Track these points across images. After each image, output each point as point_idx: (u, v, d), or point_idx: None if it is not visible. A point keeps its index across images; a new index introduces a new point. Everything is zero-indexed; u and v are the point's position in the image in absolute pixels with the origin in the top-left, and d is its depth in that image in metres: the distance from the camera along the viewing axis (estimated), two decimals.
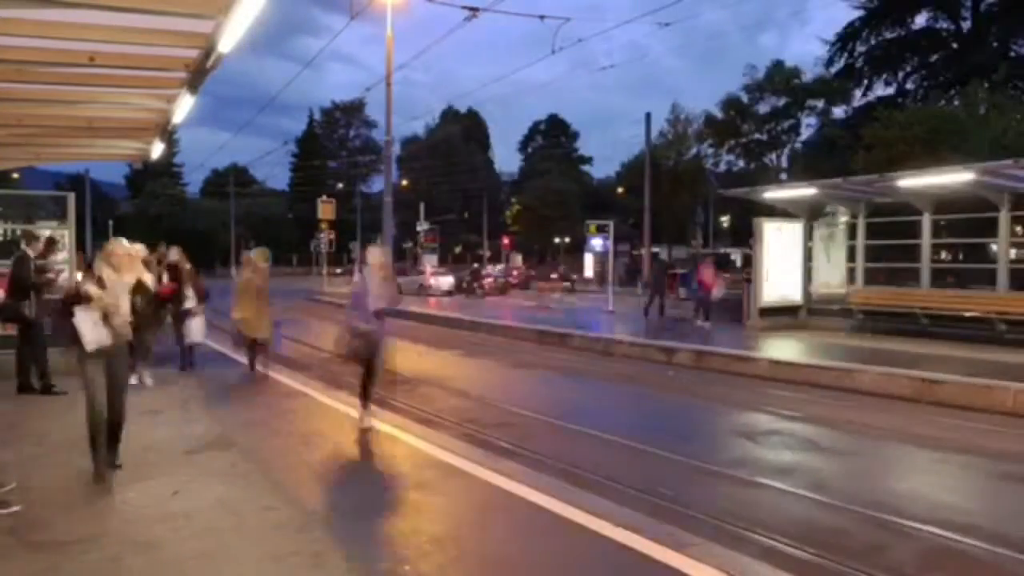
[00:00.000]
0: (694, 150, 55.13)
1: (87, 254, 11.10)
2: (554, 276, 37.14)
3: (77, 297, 4.78)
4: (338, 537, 3.93)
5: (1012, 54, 37.52)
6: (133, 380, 7.39)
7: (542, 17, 18.29)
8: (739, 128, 50.90)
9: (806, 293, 15.32)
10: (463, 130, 75.17)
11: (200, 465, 5.32)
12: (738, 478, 5.73)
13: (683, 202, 52.45)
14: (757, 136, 51.18)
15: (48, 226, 9.97)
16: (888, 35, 42.05)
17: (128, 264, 5.02)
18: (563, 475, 5.46)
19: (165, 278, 9.34)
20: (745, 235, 23.26)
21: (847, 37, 42.78)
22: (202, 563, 3.62)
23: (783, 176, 45.08)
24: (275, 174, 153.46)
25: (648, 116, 33.80)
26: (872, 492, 5.40)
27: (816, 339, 13.09)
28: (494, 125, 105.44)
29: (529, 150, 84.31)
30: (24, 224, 10.38)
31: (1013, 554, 4.21)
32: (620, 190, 60.10)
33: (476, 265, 46.88)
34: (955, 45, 39.88)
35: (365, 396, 6.60)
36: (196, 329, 9.61)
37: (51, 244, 8.49)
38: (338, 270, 41.85)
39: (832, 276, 15.24)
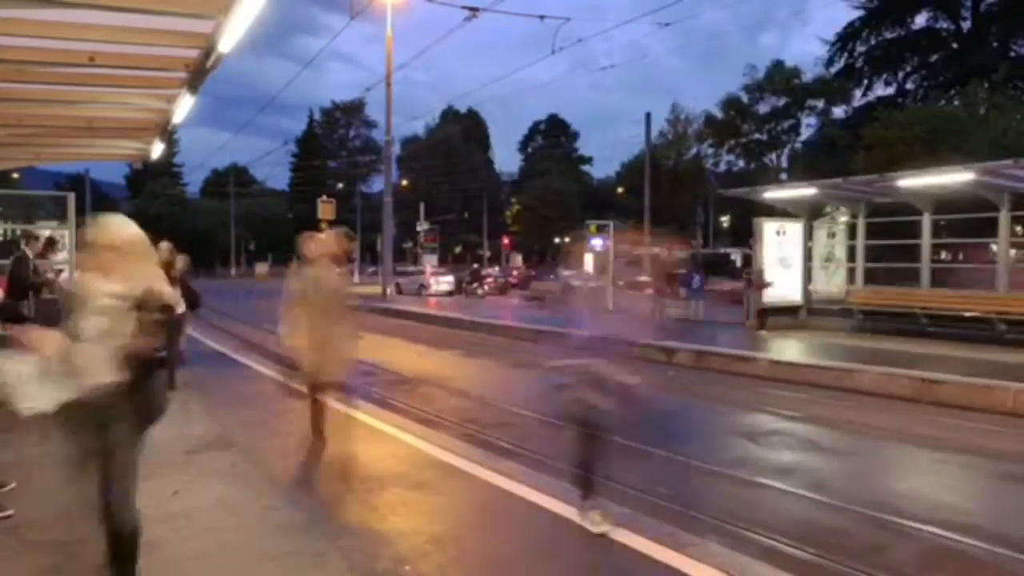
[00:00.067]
0: (694, 150, 55.22)
1: None
2: (553, 276, 37.12)
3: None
4: (338, 537, 3.93)
5: (1012, 54, 37.55)
6: None
7: (542, 17, 18.32)
8: (739, 128, 50.99)
9: (806, 293, 15.32)
10: (463, 130, 75.19)
11: (200, 465, 5.32)
12: (738, 478, 5.73)
13: (683, 202, 52.48)
14: (757, 136, 51.26)
15: (48, 226, 9.98)
16: (888, 35, 42.10)
17: (119, 263, 3.07)
18: (563, 475, 5.45)
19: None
20: (745, 235, 23.25)
21: (847, 37, 42.82)
22: (202, 563, 3.62)
23: (783, 176, 45.13)
24: (275, 174, 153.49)
25: (648, 116, 33.84)
26: (872, 492, 5.40)
27: (816, 339, 13.09)
28: (494, 125, 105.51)
29: (529, 150, 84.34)
30: (24, 224, 10.39)
31: (1013, 554, 4.21)
32: (620, 190, 60.14)
33: (476, 265, 46.89)
34: (955, 45, 39.91)
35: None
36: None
37: (51, 244, 8.49)
38: (337, 270, 41.84)
39: (833, 277, 15.26)
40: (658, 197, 40.69)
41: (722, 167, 54.41)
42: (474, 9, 18.69)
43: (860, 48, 43.17)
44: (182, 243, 10.59)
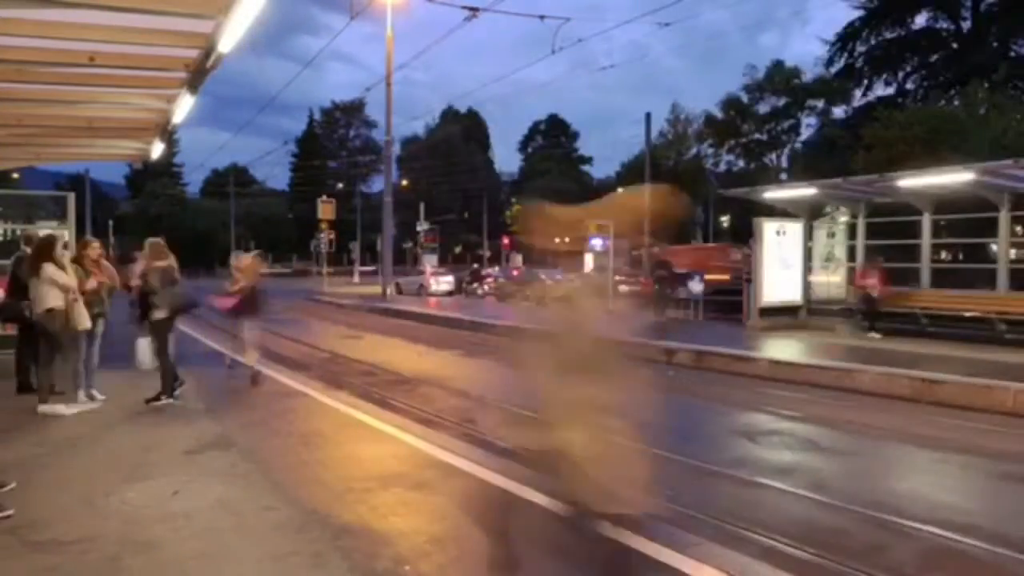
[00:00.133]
0: (694, 150, 55.27)
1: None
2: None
3: None
4: (338, 537, 3.93)
5: (1012, 54, 37.53)
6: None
7: (542, 17, 18.33)
8: (739, 128, 51.02)
9: (806, 293, 15.32)
10: (463, 130, 75.25)
11: (200, 465, 5.32)
12: (738, 478, 5.73)
13: (683, 202, 52.47)
14: (757, 136, 51.29)
15: (48, 226, 9.97)
16: (888, 35, 42.07)
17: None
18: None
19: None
20: (745, 235, 23.23)
21: (847, 37, 42.80)
22: (202, 563, 3.62)
23: (783, 176, 45.15)
24: (275, 174, 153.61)
25: (648, 116, 33.75)
26: (872, 492, 5.39)
27: (816, 339, 13.09)
28: (494, 125, 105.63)
29: (529, 150, 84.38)
30: (24, 224, 10.39)
31: (1013, 554, 4.21)
32: (620, 190, 60.10)
33: (476, 265, 46.88)
34: (955, 45, 39.90)
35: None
36: (142, 350, 7.92)
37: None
38: (330, 269, 41.75)
39: (833, 277, 15.26)
40: None
41: (722, 167, 54.48)
42: (474, 9, 18.70)
43: (860, 48, 43.15)
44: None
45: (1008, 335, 11.57)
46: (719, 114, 51.23)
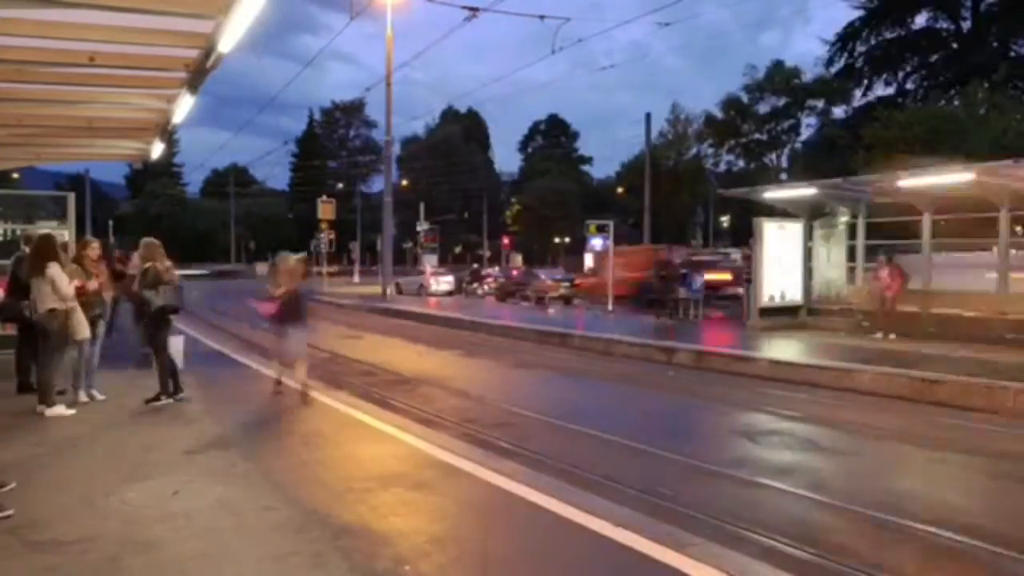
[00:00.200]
0: (694, 150, 55.30)
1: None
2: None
3: None
4: (338, 537, 3.93)
5: (1012, 54, 37.58)
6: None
7: (542, 17, 18.33)
8: (739, 128, 51.05)
9: (806, 293, 15.32)
10: (463, 130, 75.29)
11: (200, 465, 5.32)
12: (738, 478, 5.73)
13: (683, 202, 52.52)
14: (757, 136, 51.31)
15: (48, 226, 9.97)
16: (888, 35, 42.12)
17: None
18: (563, 475, 5.45)
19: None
20: (745, 235, 23.24)
21: (847, 37, 42.84)
22: (202, 563, 3.62)
23: (783, 176, 45.17)
24: (275, 174, 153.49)
25: (648, 116, 33.91)
26: (872, 492, 5.39)
27: (816, 339, 13.09)
28: (494, 125, 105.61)
29: (529, 150, 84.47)
30: (24, 224, 10.39)
31: (1013, 554, 4.21)
32: (620, 190, 60.18)
33: (476, 265, 46.88)
34: (955, 45, 39.93)
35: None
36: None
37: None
38: (334, 268, 41.66)
39: (832, 277, 15.26)
40: (658, 197, 40.73)
41: (722, 167, 54.52)
42: (474, 9, 18.70)
43: (860, 48, 43.21)
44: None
45: (1008, 335, 11.57)
46: (719, 114, 51.25)
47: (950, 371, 8.98)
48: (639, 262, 21.73)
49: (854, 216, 14.85)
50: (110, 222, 55.37)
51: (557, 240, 62.64)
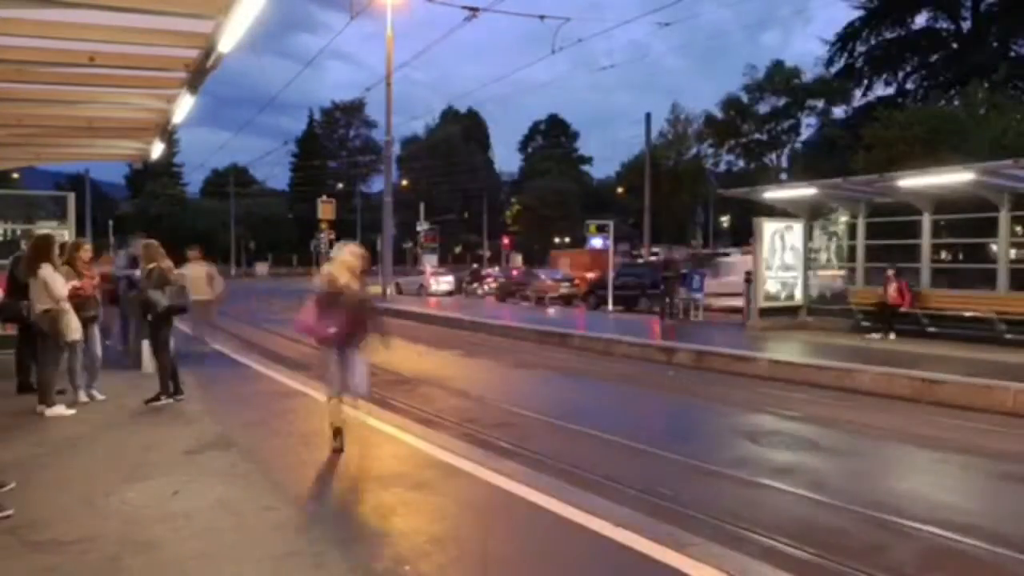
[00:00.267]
0: (694, 150, 55.28)
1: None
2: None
3: None
4: (338, 537, 3.93)
5: (1012, 54, 37.57)
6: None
7: (542, 17, 18.33)
8: (739, 128, 51.03)
9: (806, 293, 15.32)
10: (463, 130, 75.27)
11: (200, 465, 5.32)
12: (738, 478, 5.73)
13: (683, 202, 52.50)
14: (757, 136, 51.30)
15: (48, 226, 9.97)
16: (888, 35, 42.10)
17: None
18: (563, 475, 5.45)
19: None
20: (745, 235, 23.29)
21: (847, 37, 42.83)
22: (202, 563, 3.62)
23: (783, 176, 45.17)
24: (275, 174, 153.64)
25: (648, 116, 33.82)
26: (872, 492, 5.40)
27: (816, 339, 13.09)
28: (494, 125, 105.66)
29: (529, 150, 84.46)
30: (24, 224, 10.39)
31: (1013, 554, 4.21)
32: (620, 190, 60.18)
33: (476, 265, 46.88)
34: (955, 45, 39.92)
35: None
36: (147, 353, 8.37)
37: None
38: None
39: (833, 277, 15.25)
40: (658, 197, 40.71)
41: (722, 167, 54.51)
42: (474, 9, 18.70)
43: (860, 48, 43.17)
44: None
45: (1008, 335, 11.57)
46: (719, 114, 51.24)
47: (950, 371, 8.98)
48: (582, 262, 22.58)
49: (854, 216, 14.85)
50: (110, 222, 55.35)
51: (557, 240, 62.61)
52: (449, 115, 75.85)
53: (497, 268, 43.32)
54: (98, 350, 7.63)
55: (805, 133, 49.81)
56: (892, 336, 12.71)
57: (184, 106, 6.56)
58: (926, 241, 13.65)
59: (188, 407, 7.37)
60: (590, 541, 3.93)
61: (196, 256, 11.52)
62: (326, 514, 4.32)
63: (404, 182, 62.02)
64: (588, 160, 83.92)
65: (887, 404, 8.56)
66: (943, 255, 19.05)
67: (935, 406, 8.29)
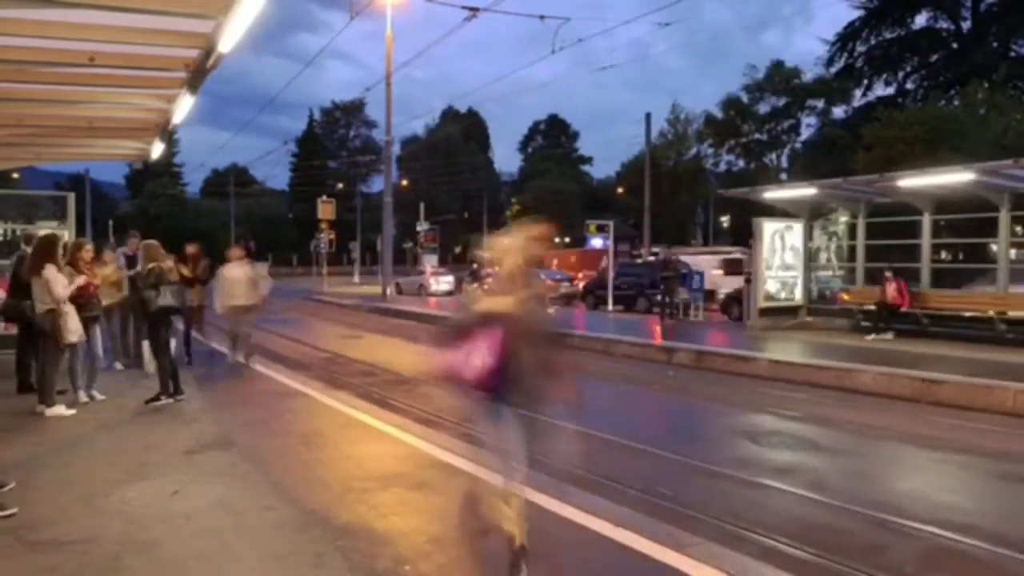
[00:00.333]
0: (694, 150, 55.25)
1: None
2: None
3: None
4: (338, 537, 3.93)
5: (1012, 54, 37.53)
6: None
7: (542, 17, 18.33)
8: (739, 128, 50.97)
9: (806, 293, 15.32)
10: (463, 130, 75.21)
11: (200, 465, 5.32)
12: (738, 478, 5.73)
13: (683, 202, 52.49)
14: (757, 136, 51.24)
15: (48, 226, 9.97)
16: (888, 35, 42.03)
17: None
18: (564, 475, 5.45)
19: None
20: (745, 235, 23.28)
21: (847, 37, 42.76)
22: (202, 563, 3.62)
23: (783, 176, 45.14)
24: (275, 174, 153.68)
25: (648, 116, 33.82)
26: (872, 492, 5.40)
27: (816, 339, 13.09)
28: (494, 125, 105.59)
29: (529, 150, 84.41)
30: (24, 224, 10.39)
31: (1013, 554, 4.21)
32: (620, 190, 60.16)
33: (476, 265, 46.77)
34: (955, 45, 39.89)
35: None
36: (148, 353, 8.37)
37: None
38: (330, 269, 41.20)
39: (832, 277, 15.25)
40: (658, 197, 40.71)
41: (722, 167, 54.45)
42: (474, 9, 18.70)
43: (860, 48, 43.10)
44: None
45: (1008, 335, 11.57)
46: (719, 114, 51.20)
47: (950, 371, 8.98)
48: (570, 263, 22.72)
49: (854, 216, 14.85)
50: (110, 222, 55.32)
51: (557, 240, 62.63)
52: (449, 115, 75.80)
53: (497, 268, 43.22)
54: (99, 350, 7.63)
55: (805, 133, 49.78)
56: (889, 335, 12.71)
57: (184, 106, 6.55)
58: (926, 241, 13.65)
59: (188, 407, 7.38)
60: (590, 541, 3.93)
61: (238, 255, 10.42)
62: (326, 514, 4.32)
63: (404, 182, 61.98)
64: (588, 160, 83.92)
65: (887, 404, 8.56)
66: (943, 255, 19.05)
67: (935, 406, 8.29)
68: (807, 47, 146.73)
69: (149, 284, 7.40)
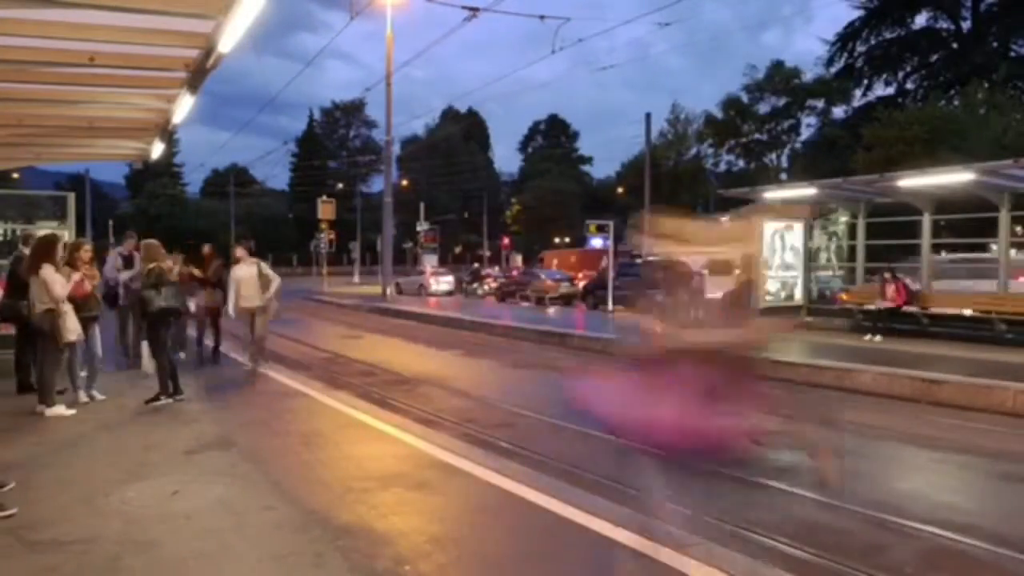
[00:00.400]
0: (694, 150, 55.27)
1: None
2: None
3: None
4: (338, 537, 3.93)
5: (1012, 54, 37.57)
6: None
7: (542, 17, 18.34)
8: (739, 128, 51.00)
9: (806, 293, 15.32)
10: (463, 130, 75.19)
11: (200, 465, 5.32)
12: (738, 478, 5.72)
13: (683, 202, 52.46)
14: (757, 136, 51.27)
15: (48, 226, 9.95)
16: (888, 35, 42.10)
17: None
18: (563, 475, 5.45)
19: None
20: None
21: (847, 37, 42.82)
22: (202, 563, 3.62)
23: (783, 176, 45.14)
24: (275, 174, 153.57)
25: (648, 116, 33.77)
26: (872, 492, 5.39)
27: (816, 339, 13.09)
28: (494, 125, 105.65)
29: (529, 150, 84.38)
30: (24, 224, 10.38)
31: (1013, 554, 4.21)
32: (620, 190, 60.13)
33: (476, 265, 46.85)
34: (955, 45, 39.92)
35: None
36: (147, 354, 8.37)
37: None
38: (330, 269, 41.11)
39: (832, 276, 15.25)
40: (658, 197, 40.64)
41: (722, 167, 54.48)
42: (474, 9, 18.71)
43: (860, 48, 43.19)
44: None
45: (1008, 335, 11.57)
46: (719, 114, 51.23)
47: (950, 371, 8.98)
48: (569, 263, 22.82)
49: (854, 216, 14.85)
50: (110, 222, 55.33)
51: (557, 240, 62.59)
52: (449, 115, 75.81)
53: (497, 268, 43.29)
54: (98, 350, 7.63)
55: (805, 133, 49.83)
56: (879, 338, 12.70)
57: (184, 106, 6.55)
58: (926, 241, 13.65)
59: (188, 407, 7.38)
60: (590, 541, 3.93)
61: (244, 253, 9.86)
62: (326, 514, 4.32)
63: (404, 182, 61.98)
64: (588, 160, 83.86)
65: (887, 404, 8.56)
66: (943, 255, 19.05)
67: (935, 406, 8.29)
68: (807, 47, 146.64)
69: (149, 284, 7.40)
